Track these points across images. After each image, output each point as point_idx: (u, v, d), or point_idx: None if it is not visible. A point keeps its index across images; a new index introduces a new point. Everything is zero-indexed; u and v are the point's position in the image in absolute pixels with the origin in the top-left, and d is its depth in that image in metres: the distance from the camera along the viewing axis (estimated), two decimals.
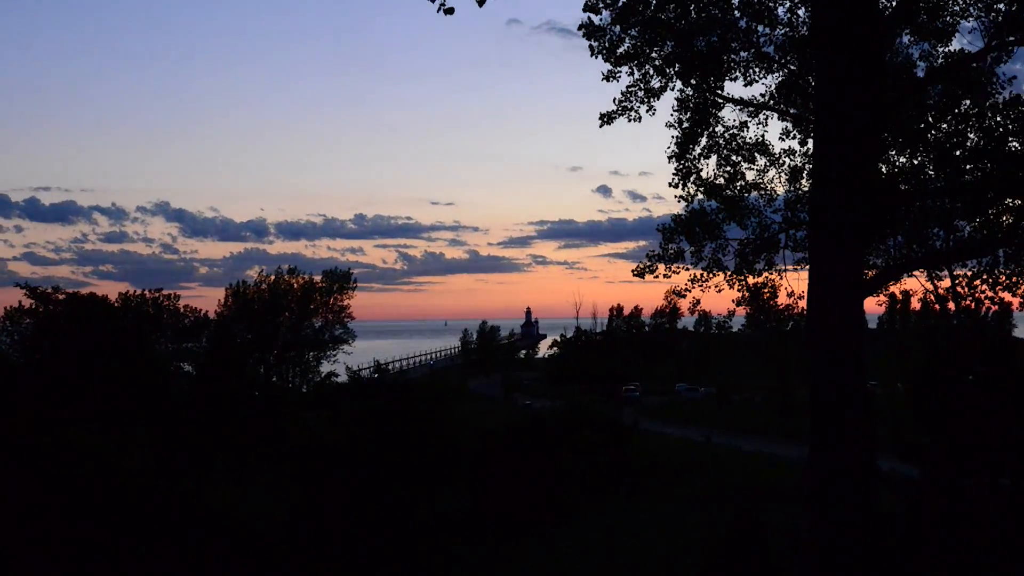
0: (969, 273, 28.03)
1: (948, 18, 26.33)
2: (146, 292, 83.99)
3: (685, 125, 28.61)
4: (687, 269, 30.29)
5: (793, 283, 30.78)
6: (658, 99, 27.74)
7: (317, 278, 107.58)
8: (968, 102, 27.05)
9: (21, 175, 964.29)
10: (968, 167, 27.20)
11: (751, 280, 30.66)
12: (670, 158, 29.10)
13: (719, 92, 28.03)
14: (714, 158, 29.25)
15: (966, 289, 28.17)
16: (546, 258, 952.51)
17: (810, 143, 28.37)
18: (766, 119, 29.17)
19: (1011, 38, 24.37)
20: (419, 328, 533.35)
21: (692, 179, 29.39)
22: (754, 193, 30.18)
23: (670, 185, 29.54)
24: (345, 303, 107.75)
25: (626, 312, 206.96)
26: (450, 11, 16.17)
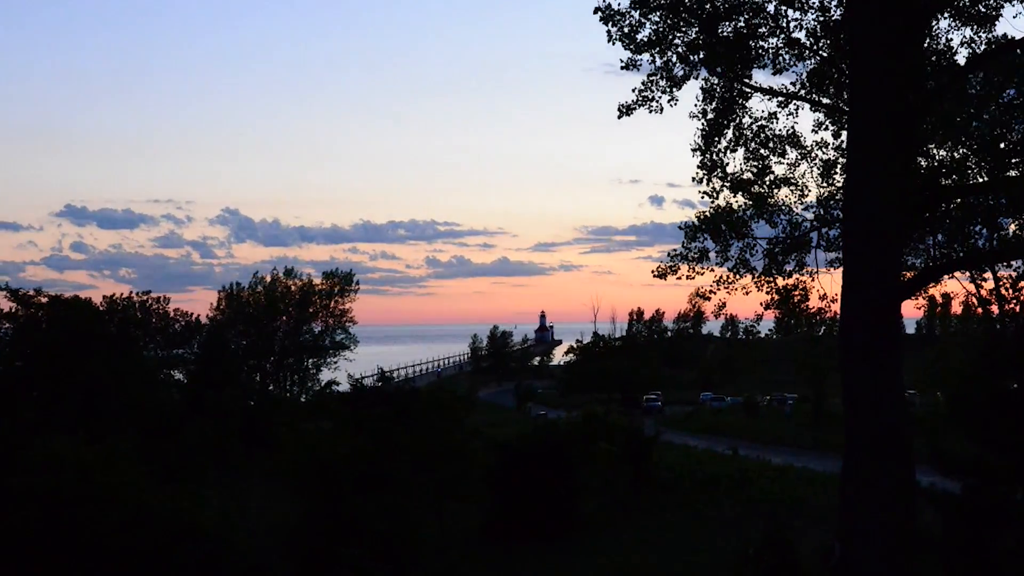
0: (1014, 274, 28.01)
1: (991, 1, 26.31)
2: (133, 294, 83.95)
3: (710, 116, 28.61)
4: (712, 270, 30.29)
5: (826, 285, 30.68)
6: (681, 88, 27.81)
7: (317, 280, 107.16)
8: (1013, 91, 27.02)
9: (105, 186, 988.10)
10: (1013, 161, 27.19)
11: (781, 282, 30.63)
12: (694, 151, 29.10)
13: (746, 81, 28.05)
14: (741, 151, 29.26)
15: (1011, 291, 28.15)
16: (571, 263, 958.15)
17: (844, 135, 28.35)
18: (797, 109, 29.16)
19: None
20: (423, 333, 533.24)
21: (717, 174, 29.38)
22: (784, 189, 30.17)
23: (694, 180, 29.54)
24: (347, 306, 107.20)
25: (647, 316, 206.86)
26: None
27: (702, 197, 29.72)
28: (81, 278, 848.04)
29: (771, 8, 27.06)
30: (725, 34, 26.85)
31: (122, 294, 78.45)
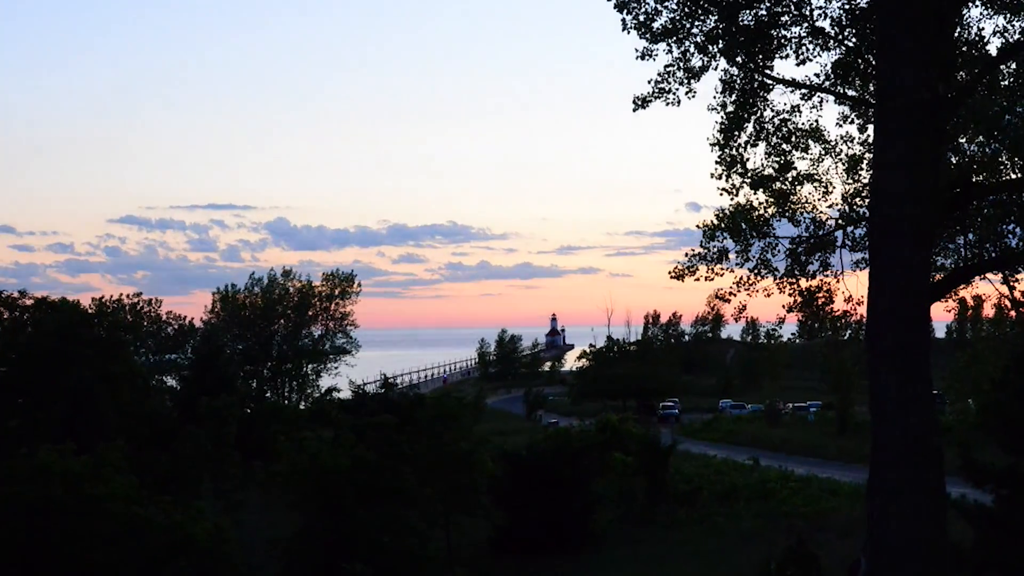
0: None
1: None
2: (124, 296, 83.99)
3: (729, 109, 28.53)
4: (731, 271, 30.21)
5: (851, 286, 30.64)
6: (699, 80, 27.72)
7: (317, 282, 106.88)
8: None
9: (170, 192, 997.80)
10: None
11: (804, 283, 30.56)
12: (712, 146, 29.02)
13: (767, 72, 27.97)
14: (762, 146, 29.17)
15: None
16: (591, 266, 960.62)
17: (870, 129, 28.30)
18: (820, 102, 29.08)
19: None
20: (429, 338, 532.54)
21: (737, 169, 29.31)
22: (807, 185, 30.12)
23: (712, 176, 29.46)
24: (348, 309, 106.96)
25: (663, 319, 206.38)
26: None
27: (721, 194, 29.70)
28: (94, 280, 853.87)
29: None
30: (745, 23, 26.79)
31: (112, 296, 78.42)
